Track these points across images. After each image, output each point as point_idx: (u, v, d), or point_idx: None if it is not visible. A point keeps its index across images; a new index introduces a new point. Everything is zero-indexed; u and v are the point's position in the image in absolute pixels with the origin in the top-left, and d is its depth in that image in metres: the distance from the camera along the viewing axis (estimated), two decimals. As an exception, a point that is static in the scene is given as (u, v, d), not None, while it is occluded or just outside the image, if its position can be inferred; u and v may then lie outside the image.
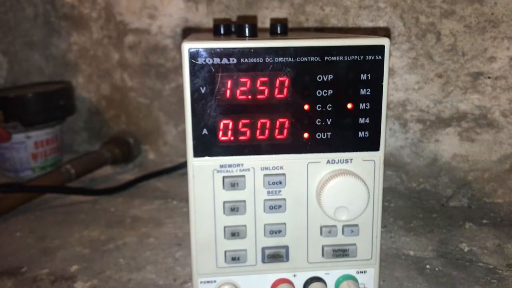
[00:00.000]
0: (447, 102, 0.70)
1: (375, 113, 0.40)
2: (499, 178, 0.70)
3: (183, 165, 0.84)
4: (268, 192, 0.41)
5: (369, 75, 0.39)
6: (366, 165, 0.41)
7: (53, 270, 0.53)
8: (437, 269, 0.52)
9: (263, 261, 0.42)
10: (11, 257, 0.57)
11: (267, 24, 0.77)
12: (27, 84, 0.93)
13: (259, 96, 0.39)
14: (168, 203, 0.73)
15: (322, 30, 0.75)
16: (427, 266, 0.53)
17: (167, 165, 0.87)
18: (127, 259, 0.56)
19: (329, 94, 0.39)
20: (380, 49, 0.39)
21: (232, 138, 0.40)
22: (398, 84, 0.72)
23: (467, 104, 0.70)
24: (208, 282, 0.42)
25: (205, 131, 0.39)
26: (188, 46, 0.37)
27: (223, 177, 0.40)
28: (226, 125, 0.39)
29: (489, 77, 0.68)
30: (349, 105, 0.40)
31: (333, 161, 0.41)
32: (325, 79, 0.39)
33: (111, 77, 0.90)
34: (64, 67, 0.93)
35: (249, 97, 0.39)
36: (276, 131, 0.40)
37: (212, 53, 0.38)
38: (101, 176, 0.85)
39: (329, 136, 0.40)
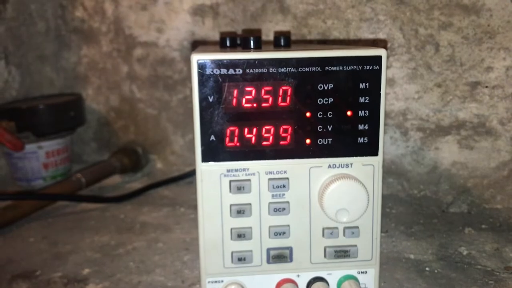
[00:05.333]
0: (446, 111, 0.72)
1: (373, 120, 0.42)
2: (497, 185, 0.72)
3: (190, 174, 0.87)
4: (273, 195, 0.43)
5: (367, 84, 0.41)
6: (366, 169, 0.43)
7: (65, 273, 0.55)
8: (436, 271, 0.54)
9: (268, 262, 0.44)
10: (25, 261, 0.59)
11: (271, 37, 0.80)
12: (38, 96, 0.95)
13: (263, 104, 0.41)
14: (176, 210, 0.75)
15: (324, 42, 0.77)
16: (427, 269, 0.55)
17: (175, 174, 0.89)
18: (136, 262, 0.58)
19: (329, 102, 0.41)
20: (377, 59, 0.41)
21: (238, 144, 0.42)
22: (398, 94, 0.75)
23: (465, 113, 0.72)
24: (215, 282, 0.44)
25: (212, 138, 0.41)
26: (196, 58, 0.40)
27: (230, 181, 0.42)
28: (232, 132, 0.41)
29: (486, 87, 0.70)
30: (349, 113, 0.42)
31: (334, 166, 0.43)
32: (325, 88, 0.41)
33: (120, 89, 0.93)
34: (74, 79, 0.95)
35: (254, 105, 0.41)
36: (280, 137, 0.42)
37: (219, 64, 0.40)
38: (110, 185, 0.87)
39: (330, 142, 0.42)
